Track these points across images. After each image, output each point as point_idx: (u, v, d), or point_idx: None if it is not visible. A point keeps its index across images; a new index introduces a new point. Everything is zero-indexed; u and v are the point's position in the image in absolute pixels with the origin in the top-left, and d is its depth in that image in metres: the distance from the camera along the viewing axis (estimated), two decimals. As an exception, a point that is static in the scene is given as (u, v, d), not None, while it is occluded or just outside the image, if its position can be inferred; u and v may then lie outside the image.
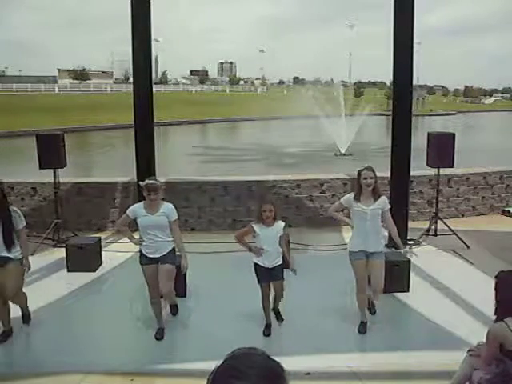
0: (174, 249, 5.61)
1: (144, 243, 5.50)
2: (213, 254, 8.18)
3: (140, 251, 5.59)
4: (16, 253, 5.40)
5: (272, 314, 5.87)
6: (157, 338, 5.58)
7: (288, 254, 5.82)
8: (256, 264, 5.55)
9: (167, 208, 5.50)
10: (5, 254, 5.31)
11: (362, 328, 5.76)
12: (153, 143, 8.79)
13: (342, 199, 5.83)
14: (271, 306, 5.82)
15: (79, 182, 10.12)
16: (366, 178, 5.49)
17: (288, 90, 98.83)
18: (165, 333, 5.67)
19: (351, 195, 5.66)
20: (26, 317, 5.80)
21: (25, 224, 5.53)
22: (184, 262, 5.64)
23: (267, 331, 5.69)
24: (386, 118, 38.63)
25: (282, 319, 5.92)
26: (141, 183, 5.53)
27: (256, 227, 5.48)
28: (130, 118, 9.08)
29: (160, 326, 5.68)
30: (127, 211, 5.58)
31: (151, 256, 5.49)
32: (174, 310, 6.03)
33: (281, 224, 5.54)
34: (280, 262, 5.57)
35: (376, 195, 5.56)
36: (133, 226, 5.78)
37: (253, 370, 1.22)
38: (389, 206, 5.66)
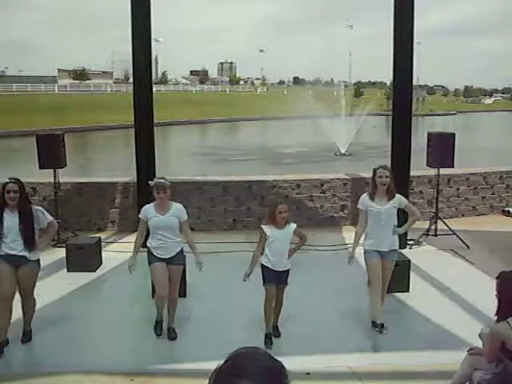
0: (182, 249, 5.63)
1: (154, 245, 5.50)
2: (213, 254, 8.17)
3: (149, 252, 5.57)
4: (34, 254, 5.34)
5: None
6: (156, 333, 5.62)
7: (294, 249, 5.59)
8: (264, 265, 5.39)
9: (177, 209, 5.52)
10: (23, 253, 5.25)
11: (379, 328, 5.58)
12: (153, 143, 8.78)
13: (359, 206, 5.73)
14: (272, 322, 5.65)
15: (79, 182, 10.12)
16: (381, 177, 5.51)
17: (288, 90, 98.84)
18: (163, 327, 5.68)
19: (365, 196, 5.67)
20: (26, 334, 5.55)
21: (51, 218, 5.47)
22: (199, 259, 5.61)
23: (269, 341, 5.45)
24: (385, 117, 38.64)
25: (280, 334, 5.65)
26: (150, 182, 5.52)
27: (266, 229, 5.32)
28: (130, 118, 9.08)
29: (158, 320, 5.68)
30: (140, 215, 5.60)
31: (161, 257, 5.50)
32: (173, 334, 5.65)
33: (292, 226, 5.40)
34: (288, 267, 5.46)
35: (390, 194, 5.58)
36: (135, 226, 5.78)
37: (256, 370, 1.22)
38: (406, 201, 5.74)
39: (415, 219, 5.88)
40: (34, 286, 5.47)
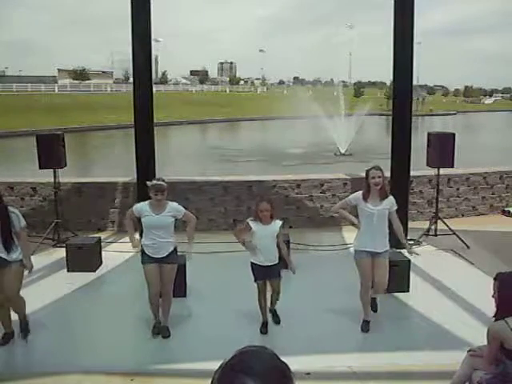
0: (175, 249, 5.63)
1: (146, 243, 5.51)
2: (213, 254, 8.18)
3: (142, 251, 5.59)
4: (14, 255, 5.24)
5: (269, 314, 5.89)
6: (153, 333, 5.63)
7: (287, 254, 5.79)
8: (252, 263, 5.59)
9: (172, 207, 5.52)
10: (3, 255, 5.18)
11: (365, 326, 5.78)
12: (153, 143, 8.78)
13: (350, 197, 5.82)
14: (268, 305, 5.84)
15: (79, 182, 10.12)
16: (374, 178, 5.50)
17: (288, 90, 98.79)
18: (161, 328, 5.69)
19: (360, 194, 5.67)
20: (23, 328, 5.53)
21: (24, 224, 5.38)
22: (189, 250, 5.66)
23: (264, 329, 5.72)
24: (385, 117, 38.65)
25: (279, 320, 5.87)
26: (148, 183, 5.50)
27: (252, 224, 5.51)
28: (130, 118, 9.08)
29: (157, 321, 5.72)
30: (133, 207, 5.61)
31: (154, 256, 5.51)
32: (166, 333, 5.66)
33: (278, 223, 5.55)
34: (277, 261, 5.59)
35: (384, 195, 5.58)
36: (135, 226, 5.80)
37: (263, 368, 1.22)
38: (396, 207, 5.71)
39: (401, 232, 5.84)
40: (19, 288, 5.34)
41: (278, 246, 5.61)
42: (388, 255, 5.79)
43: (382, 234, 5.62)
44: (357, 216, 5.78)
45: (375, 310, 6.05)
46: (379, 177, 5.50)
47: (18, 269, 5.29)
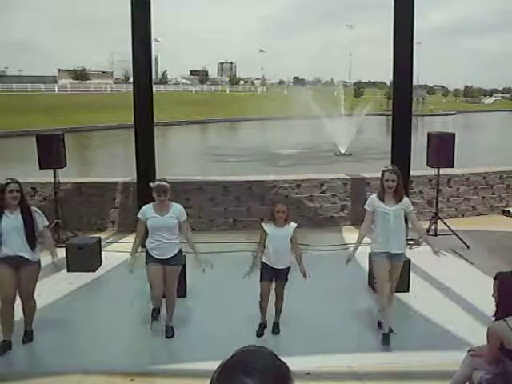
0: (180, 250, 5.64)
1: (152, 245, 5.51)
2: (213, 254, 8.15)
3: (146, 252, 5.59)
4: (36, 255, 5.36)
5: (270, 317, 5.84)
6: (152, 317, 5.65)
7: (300, 258, 5.64)
8: (263, 263, 5.51)
9: (176, 209, 5.53)
10: (25, 254, 5.25)
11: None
12: (153, 143, 8.79)
13: (366, 206, 5.65)
14: (269, 309, 5.78)
15: (79, 182, 10.12)
16: (387, 180, 5.45)
17: (288, 90, 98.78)
18: (160, 313, 5.69)
19: (374, 196, 5.63)
20: (28, 334, 5.53)
21: (47, 223, 5.52)
22: (201, 260, 5.61)
23: (261, 331, 5.66)
24: (385, 117, 38.63)
25: (279, 331, 5.73)
26: (151, 184, 5.52)
27: (266, 226, 5.47)
28: (130, 118, 9.08)
29: (155, 307, 5.66)
30: (138, 215, 5.61)
31: (159, 257, 5.50)
32: (170, 332, 5.67)
33: (292, 226, 5.50)
34: (288, 265, 5.53)
35: (398, 197, 5.52)
36: (135, 226, 5.79)
37: (262, 368, 1.22)
38: (412, 208, 5.69)
39: (423, 233, 5.88)
40: (34, 288, 5.46)
41: (291, 249, 5.53)
42: (404, 256, 5.75)
43: (398, 234, 5.56)
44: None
45: (388, 343, 5.42)
46: (393, 180, 5.43)
47: (37, 269, 5.41)
